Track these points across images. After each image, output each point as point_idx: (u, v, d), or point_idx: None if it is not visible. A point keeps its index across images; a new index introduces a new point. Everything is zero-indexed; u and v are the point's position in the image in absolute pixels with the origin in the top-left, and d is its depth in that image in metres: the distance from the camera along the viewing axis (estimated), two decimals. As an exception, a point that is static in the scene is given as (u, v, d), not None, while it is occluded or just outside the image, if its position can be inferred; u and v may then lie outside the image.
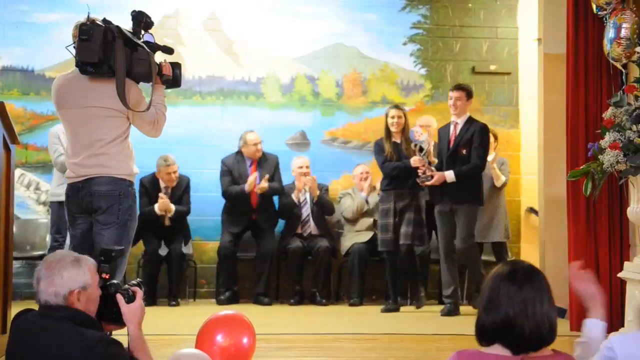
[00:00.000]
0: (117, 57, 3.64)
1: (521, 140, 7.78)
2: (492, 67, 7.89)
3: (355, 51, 7.78)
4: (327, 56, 7.74)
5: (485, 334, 2.09)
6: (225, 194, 7.02)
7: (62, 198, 6.29)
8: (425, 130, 6.33)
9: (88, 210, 3.77)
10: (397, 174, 6.40)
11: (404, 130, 6.48)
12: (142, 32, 3.83)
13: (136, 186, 6.71)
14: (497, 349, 2.07)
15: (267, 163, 7.08)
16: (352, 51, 7.76)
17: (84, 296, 2.65)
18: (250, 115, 7.39)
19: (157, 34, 7.98)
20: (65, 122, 3.87)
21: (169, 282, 6.93)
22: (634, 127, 4.56)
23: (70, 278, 2.63)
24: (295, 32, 7.66)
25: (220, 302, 6.85)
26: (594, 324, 2.35)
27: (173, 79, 3.96)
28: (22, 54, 7.37)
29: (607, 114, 4.79)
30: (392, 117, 6.48)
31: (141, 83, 3.88)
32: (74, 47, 3.79)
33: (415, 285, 6.56)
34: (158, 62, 3.87)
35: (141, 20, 3.83)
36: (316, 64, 7.69)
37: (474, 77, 7.87)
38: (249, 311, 4.05)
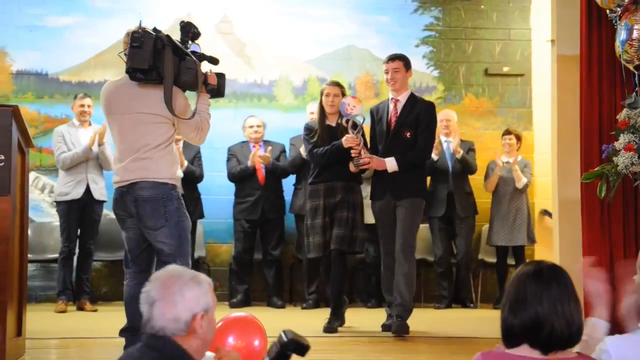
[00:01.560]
0: (165, 64, 3.76)
1: (534, 142, 7.76)
2: (505, 69, 7.87)
3: (367, 53, 7.78)
4: (339, 58, 7.74)
5: (513, 335, 2.06)
6: (229, 174, 7.00)
7: (69, 197, 6.45)
8: (358, 102, 5.24)
9: (134, 215, 3.87)
10: (328, 162, 5.32)
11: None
12: (189, 42, 3.95)
13: None
14: (524, 350, 2.04)
15: (273, 147, 7.06)
16: (364, 53, 7.76)
17: (206, 321, 2.23)
18: (262, 118, 7.39)
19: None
20: (114, 127, 3.97)
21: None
22: (649, 129, 4.54)
23: (193, 299, 2.19)
24: (307, 35, 7.67)
25: (233, 305, 6.86)
26: (597, 324, 2.33)
27: (217, 88, 4.09)
28: (36, 58, 7.41)
29: (622, 115, 4.77)
30: (327, 95, 5.41)
31: (187, 91, 3.98)
32: (125, 54, 3.87)
33: (339, 300, 5.41)
34: (204, 72, 3.99)
35: (189, 31, 3.96)
36: (328, 66, 7.70)
37: (487, 78, 7.86)
38: (262, 314, 4.06)
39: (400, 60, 5.28)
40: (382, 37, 7.79)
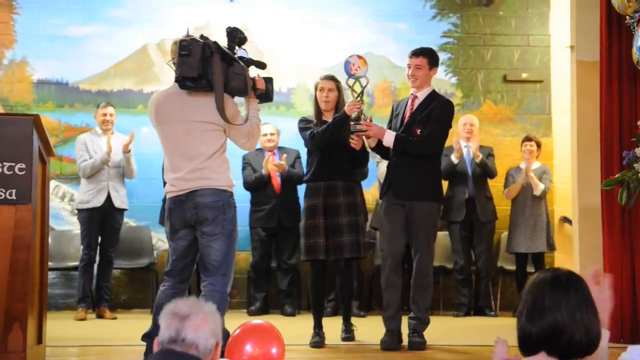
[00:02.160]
0: (215, 71, 3.77)
1: (554, 148, 7.71)
2: (524, 75, 7.84)
3: (385, 60, 7.78)
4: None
5: (530, 343, 2.03)
6: (245, 183, 7.01)
7: (90, 205, 6.50)
8: (364, 63, 4.90)
9: (192, 222, 3.88)
10: (332, 137, 4.89)
11: (338, 106, 5.04)
12: (236, 47, 3.96)
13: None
14: (541, 358, 2.02)
15: (287, 154, 7.05)
16: (382, 60, 7.75)
17: (217, 353, 2.15)
18: (281, 126, 7.40)
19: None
20: (166, 137, 3.98)
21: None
22: (670, 135, 4.50)
23: (218, 326, 2.13)
24: (325, 42, 7.68)
25: (251, 313, 6.87)
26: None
27: (266, 93, 4.09)
28: (57, 67, 7.49)
29: (642, 122, 4.73)
30: (322, 90, 5.07)
31: (236, 97, 3.99)
32: (174, 62, 3.90)
33: (347, 311, 5.21)
34: (252, 77, 3.99)
35: (235, 36, 3.97)
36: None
37: (505, 85, 7.83)
38: (276, 321, 4.07)
39: (425, 57, 4.90)
40: (400, 44, 7.78)
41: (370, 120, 4.92)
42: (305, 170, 5.45)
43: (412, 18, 7.81)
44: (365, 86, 4.87)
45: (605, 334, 2.27)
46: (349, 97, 5.00)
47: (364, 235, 5.08)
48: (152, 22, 7.57)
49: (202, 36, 3.90)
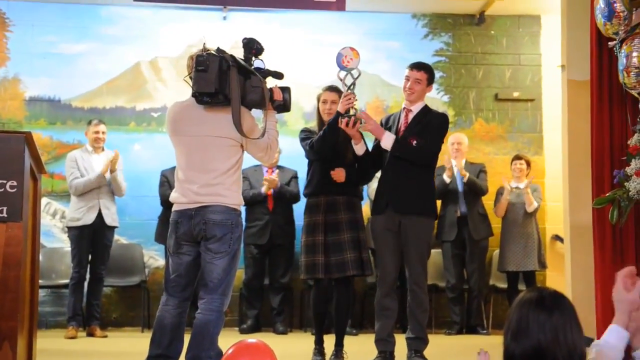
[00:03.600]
0: (232, 86, 3.75)
1: (545, 166, 7.74)
2: (516, 94, 7.88)
3: (377, 79, 7.81)
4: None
5: None
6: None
7: (80, 223, 6.47)
8: (356, 55, 4.75)
9: (198, 238, 3.82)
10: (332, 140, 4.74)
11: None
12: (253, 58, 3.92)
13: (158, 178, 6.74)
14: None
15: (283, 172, 7.07)
16: (374, 78, 7.78)
17: None
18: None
19: (182, 63, 8.07)
20: (180, 147, 3.94)
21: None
22: (660, 154, 4.53)
23: None
24: (318, 60, 7.71)
25: (243, 331, 6.84)
26: (615, 330, 2.24)
27: (283, 104, 4.05)
28: (49, 84, 7.48)
29: (633, 140, 4.76)
30: (325, 102, 5.00)
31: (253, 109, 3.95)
32: (190, 77, 3.88)
33: (340, 334, 4.99)
34: (269, 88, 3.96)
35: (252, 47, 3.95)
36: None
37: (497, 103, 7.88)
38: (268, 340, 4.05)
39: (425, 73, 4.83)
40: (392, 63, 7.82)
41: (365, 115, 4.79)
42: (301, 189, 5.37)
43: (404, 37, 7.85)
44: (357, 78, 4.70)
45: (621, 333, 2.22)
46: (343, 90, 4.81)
47: (366, 251, 4.90)
48: (145, 40, 7.58)
49: (218, 49, 3.88)
